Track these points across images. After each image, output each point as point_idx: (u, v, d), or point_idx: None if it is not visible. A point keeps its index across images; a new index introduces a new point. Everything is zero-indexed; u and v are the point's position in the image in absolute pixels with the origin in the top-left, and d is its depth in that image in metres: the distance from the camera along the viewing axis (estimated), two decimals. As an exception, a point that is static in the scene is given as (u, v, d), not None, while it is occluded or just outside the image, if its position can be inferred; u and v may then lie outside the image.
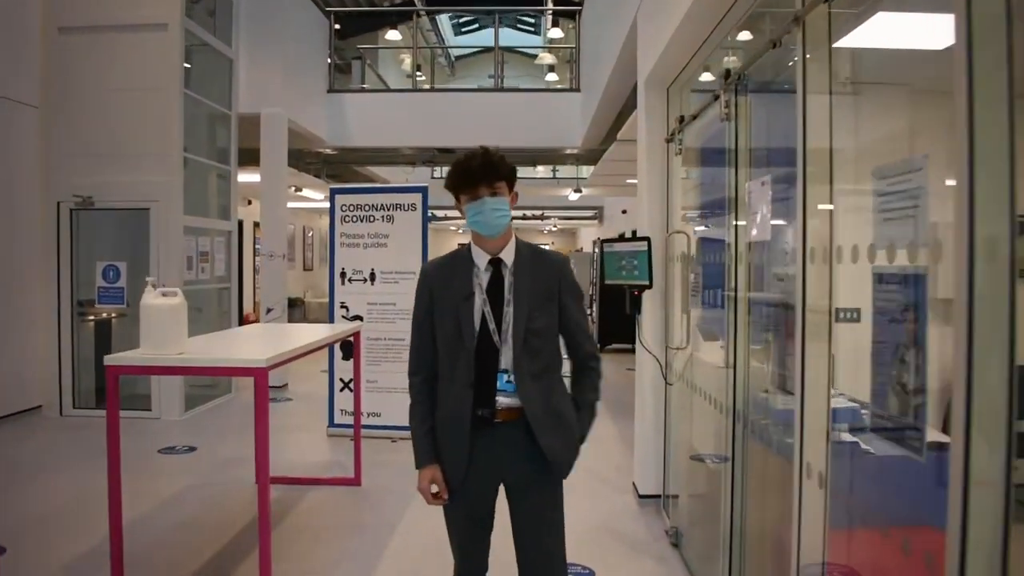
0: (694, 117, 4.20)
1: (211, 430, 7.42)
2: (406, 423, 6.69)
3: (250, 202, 13.62)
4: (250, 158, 9.96)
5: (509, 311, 2.50)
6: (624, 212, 17.56)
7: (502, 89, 13.37)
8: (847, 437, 2.60)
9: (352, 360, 6.01)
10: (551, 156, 13.67)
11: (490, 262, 2.53)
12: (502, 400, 2.50)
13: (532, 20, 23.64)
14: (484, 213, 2.45)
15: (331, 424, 7.26)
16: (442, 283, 2.55)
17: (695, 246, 4.57)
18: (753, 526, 3.52)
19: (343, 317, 7.27)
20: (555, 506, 2.63)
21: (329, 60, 12.28)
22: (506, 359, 2.49)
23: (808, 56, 2.56)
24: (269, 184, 9.97)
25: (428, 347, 2.58)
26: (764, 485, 3.46)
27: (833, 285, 2.56)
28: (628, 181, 11.12)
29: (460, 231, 36.73)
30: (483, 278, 2.53)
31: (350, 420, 6.87)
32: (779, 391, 3.20)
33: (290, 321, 11.61)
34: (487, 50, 24.51)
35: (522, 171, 15.75)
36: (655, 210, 5.03)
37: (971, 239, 1.56)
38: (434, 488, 2.56)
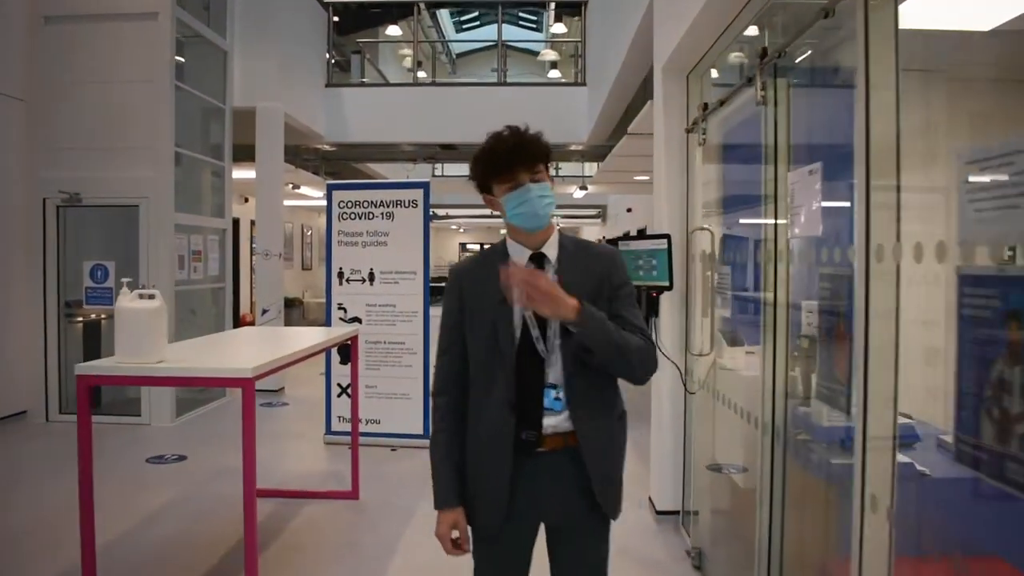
0: (721, 103, 3.85)
1: (203, 437, 7.08)
2: (407, 430, 6.35)
3: (247, 199, 13.27)
4: (246, 154, 9.63)
5: None
6: (629, 211, 17.18)
7: (505, 83, 13.03)
8: (918, 466, 2.27)
9: (350, 365, 5.69)
10: (556, 153, 13.31)
11: (531, 258, 2.17)
12: (550, 422, 2.11)
13: (533, 17, 23.36)
14: (530, 202, 2.07)
15: (328, 431, 6.92)
16: (475, 285, 2.19)
17: (718, 244, 4.24)
18: (791, 551, 3.19)
19: (340, 319, 6.94)
20: (602, 550, 2.26)
21: (327, 53, 11.94)
22: (554, 372, 2.13)
23: (869, 25, 2.21)
24: (265, 180, 9.63)
25: (457, 362, 2.22)
26: (805, 508, 3.13)
27: (900, 288, 2.23)
28: (636, 178, 10.78)
29: (461, 230, 36.42)
30: None
31: (348, 427, 6.51)
32: (825, 405, 2.86)
33: (288, 322, 11.29)
34: (488, 47, 24.32)
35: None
36: (674, 205, 4.69)
37: None
38: (455, 534, 2.20)
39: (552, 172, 2.21)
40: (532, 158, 2.09)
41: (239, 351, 4.22)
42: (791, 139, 3.05)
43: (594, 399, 2.16)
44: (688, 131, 4.54)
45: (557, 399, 2.12)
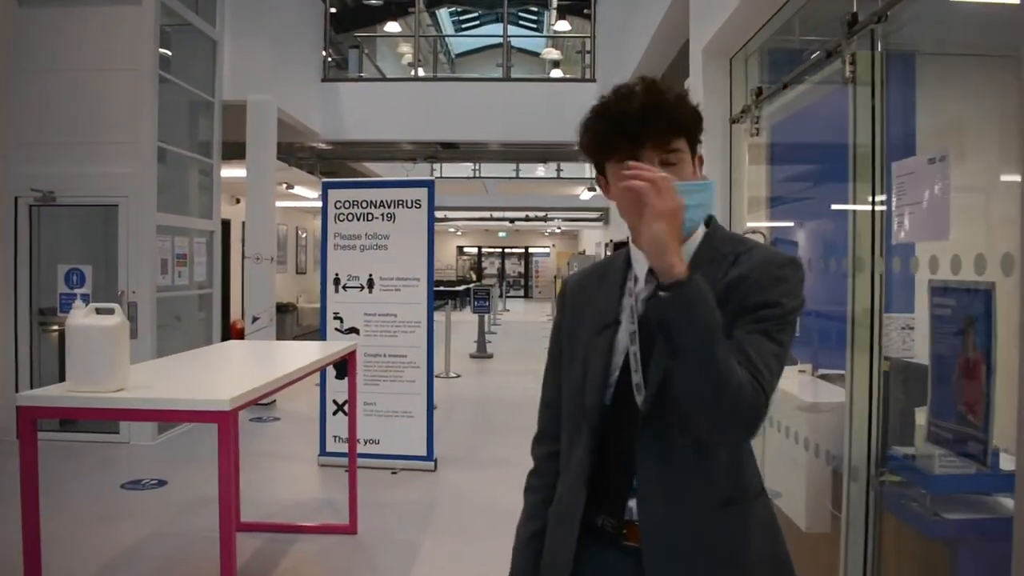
0: (784, 86, 3.30)
1: (187, 458, 6.48)
2: (409, 452, 5.74)
3: (239, 200, 12.70)
4: (236, 151, 9.06)
5: None
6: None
7: (509, 79, 12.46)
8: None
9: (347, 380, 5.12)
10: (562, 152, 12.78)
11: (651, 271, 1.43)
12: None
13: (534, 17, 22.91)
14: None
15: (323, 452, 6.33)
16: (581, 303, 1.63)
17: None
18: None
19: (336, 330, 6.37)
20: None
21: (324, 47, 11.37)
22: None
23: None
24: (256, 179, 9.04)
25: (556, 400, 1.67)
26: (902, 565, 2.57)
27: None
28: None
29: (459, 233, 35.78)
30: (639, 298, 1.51)
31: (344, 448, 5.95)
32: (938, 448, 2.30)
33: (280, 328, 10.71)
34: (488, 48, 23.83)
35: (524, 169, 15.05)
36: (716, 206, 4.14)
37: None
38: None
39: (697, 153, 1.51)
40: (669, 128, 1.42)
41: (218, 374, 3.65)
42: (888, 125, 2.50)
43: (681, 472, 1.44)
44: (733, 121, 3.99)
45: None
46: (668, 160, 1.42)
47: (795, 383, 3.66)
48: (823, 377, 3.82)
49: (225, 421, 2.71)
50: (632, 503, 1.47)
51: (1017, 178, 2.30)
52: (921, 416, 2.41)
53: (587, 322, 1.58)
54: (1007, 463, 2.09)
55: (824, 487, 3.16)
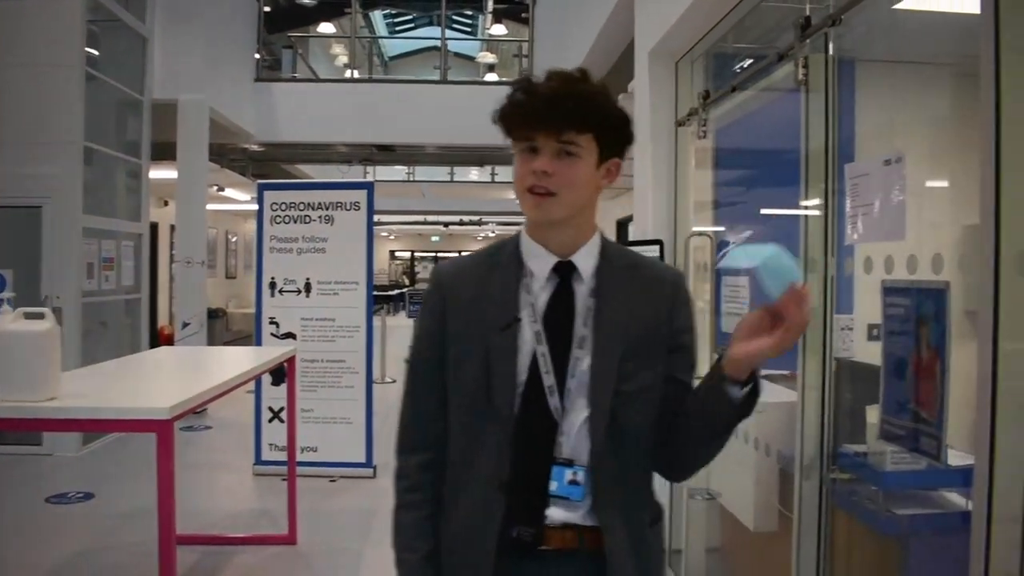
0: (734, 89, 3.32)
1: (115, 470, 6.24)
2: (348, 459, 5.65)
3: (167, 202, 12.35)
4: (165, 152, 8.79)
5: (584, 357, 1.46)
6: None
7: (447, 81, 12.39)
8: None
9: (284, 386, 5.00)
10: (499, 155, 12.75)
11: (555, 268, 1.49)
12: (557, 515, 1.45)
13: (468, 20, 22.87)
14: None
15: (258, 461, 6.16)
16: (467, 298, 1.51)
17: (712, 253, 3.74)
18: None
19: (272, 335, 6.21)
20: None
21: (257, 46, 11.13)
22: (569, 442, 1.46)
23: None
24: (187, 181, 8.78)
25: (434, 410, 1.53)
26: (852, 562, 2.60)
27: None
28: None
29: (392, 237, 35.46)
30: (539, 295, 1.49)
31: (280, 456, 5.81)
32: (889, 445, 2.32)
33: (211, 334, 10.41)
34: (422, 51, 23.70)
35: (458, 173, 14.97)
36: (661, 208, 4.15)
37: None
38: None
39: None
40: (567, 119, 1.38)
41: (154, 382, 3.52)
42: (839, 128, 2.53)
43: (632, 491, 1.51)
44: (680, 124, 4.01)
45: (574, 483, 1.44)
46: (566, 151, 1.40)
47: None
48: (767, 377, 3.86)
49: (164, 430, 2.61)
50: (551, 511, 1.45)
51: (945, 183, 2.34)
52: (872, 414, 2.44)
53: (481, 319, 1.48)
54: (955, 459, 2.14)
55: (772, 486, 3.19)
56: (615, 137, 1.45)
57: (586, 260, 1.50)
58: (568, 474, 1.44)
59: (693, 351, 1.56)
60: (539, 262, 1.49)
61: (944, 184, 2.72)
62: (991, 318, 1.68)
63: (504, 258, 1.53)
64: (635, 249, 1.71)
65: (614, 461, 1.45)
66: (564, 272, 1.49)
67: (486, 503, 1.45)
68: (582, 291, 1.49)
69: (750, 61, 3.35)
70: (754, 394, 1.38)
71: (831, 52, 2.48)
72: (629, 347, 1.46)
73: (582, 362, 1.45)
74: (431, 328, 1.53)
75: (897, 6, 2.56)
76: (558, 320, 1.47)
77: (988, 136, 1.66)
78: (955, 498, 2.34)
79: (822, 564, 2.60)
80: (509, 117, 1.42)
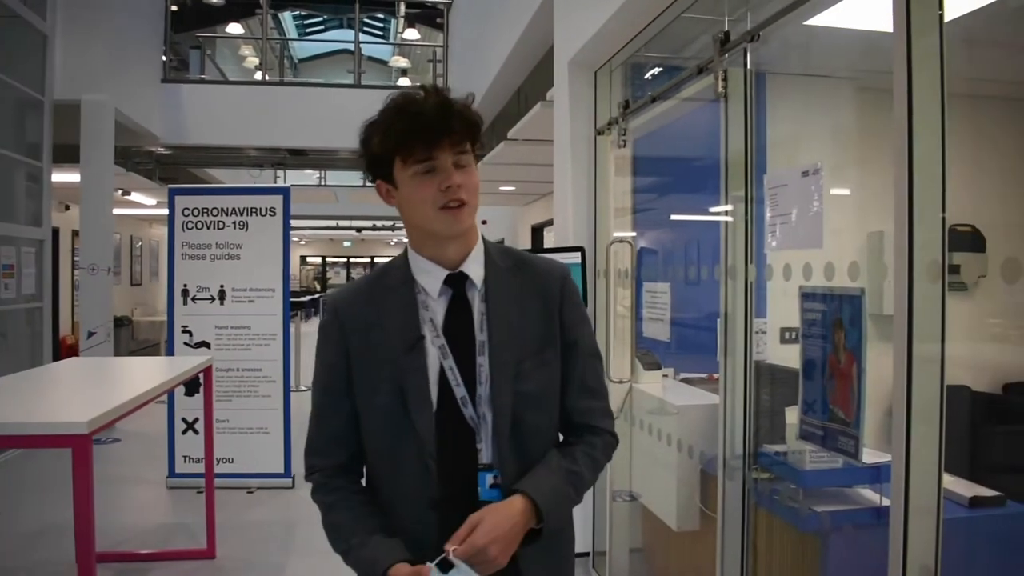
0: (653, 99, 3.40)
1: (15, 487, 5.95)
2: (266, 469, 5.54)
3: (68, 207, 11.85)
4: (67, 155, 8.44)
5: (484, 364, 1.50)
6: (484, 222, 16.78)
7: (360, 85, 12.27)
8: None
9: (199, 396, 4.87)
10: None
11: (447, 281, 1.53)
12: None
13: (380, 24, 22.68)
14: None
15: (172, 474, 5.99)
16: (364, 325, 1.53)
17: (633, 259, 3.81)
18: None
19: (185, 344, 6.05)
20: None
21: (164, 46, 10.81)
22: (488, 449, 1.49)
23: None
24: (91, 185, 8.44)
25: (343, 435, 1.56)
26: (773, 559, 2.69)
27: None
28: (502, 188, 10.32)
29: (302, 243, 34.79)
30: (436, 310, 1.52)
31: (195, 468, 5.70)
32: (808, 444, 2.42)
33: (117, 343, 10.04)
34: (332, 53, 23.38)
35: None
36: (581, 216, 4.22)
37: None
38: None
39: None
40: (463, 131, 1.44)
41: (67, 396, 3.38)
42: (757, 139, 2.63)
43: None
44: (600, 133, 4.08)
45: (495, 486, 1.48)
46: (460, 162, 1.44)
47: (660, 387, 3.78)
48: (685, 381, 3.96)
49: (81, 445, 2.52)
50: None
51: (846, 191, 2.44)
52: (792, 415, 2.53)
53: (385, 344, 1.50)
54: (869, 457, 2.25)
55: (694, 486, 3.26)
56: (478, 141, 1.50)
57: (475, 267, 1.54)
58: (489, 479, 1.48)
59: (586, 345, 1.61)
60: (430, 277, 1.53)
61: (847, 192, 2.86)
62: (906, 322, 1.77)
63: (395, 279, 1.56)
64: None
65: (518, 461, 1.49)
66: (456, 283, 1.53)
67: (418, 522, 1.47)
68: (476, 298, 1.53)
69: (669, 72, 3.44)
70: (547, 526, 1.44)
71: (749, 66, 2.57)
72: (523, 347, 1.51)
73: (486, 368, 1.49)
74: (333, 359, 1.55)
75: (808, 22, 2.67)
76: (459, 331, 1.51)
77: (901, 149, 1.76)
78: (869, 494, 2.46)
79: (745, 562, 2.69)
80: (404, 136, 1.42)
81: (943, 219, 1.73)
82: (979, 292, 3.18)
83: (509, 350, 1.50)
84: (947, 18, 1.69)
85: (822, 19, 2.57)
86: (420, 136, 1.40)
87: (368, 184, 1.57)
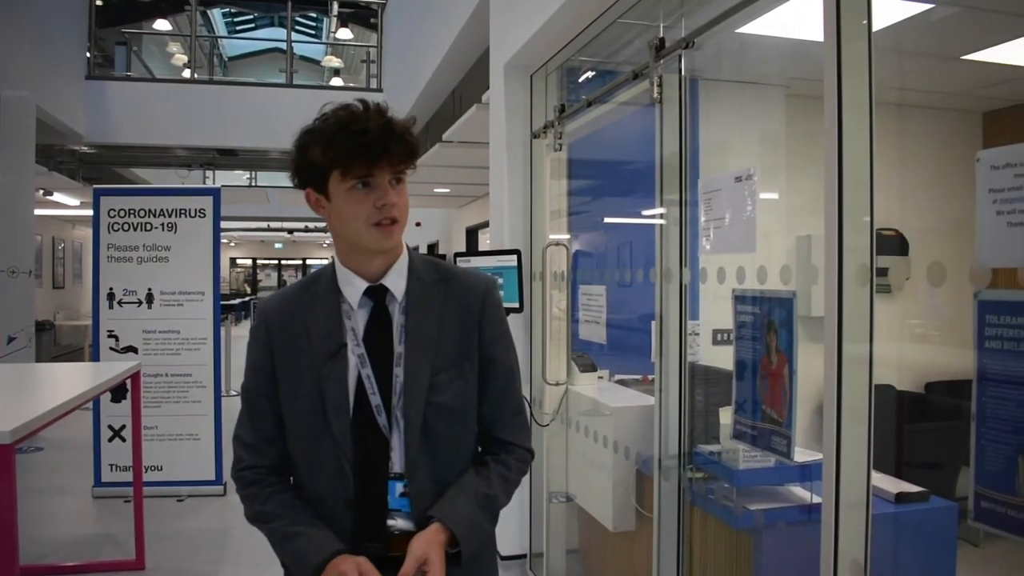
0: (589, 104, 3.43)
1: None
2: (197, 476, 5.43)
3: (-15, 208, 11.42)
4: (-15, 153, 8.14)
5: (400, 375, 1.55)
6: (418, 224, 16.69)
7: (292, 85, 12.11)
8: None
9: (126, 403, 4.73)
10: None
11: (367, 293, 1.58)
12: (399, 524, 1.54)
13: (312, 23, 22.41)
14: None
15: (98, 483, 5.81)
16: (290, 332, 1.58)
17: (568, 262, 3.84)
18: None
19: (112, 348, 5.87)
20: None
21: (89, 42, 10.49)
22: (400, 458, 1.54)
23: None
24: (11, 184, 8.12)
25: (271, 436, 1.61)
26: (708, 557, 2.74)
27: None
28: (437, 191, 10.28)
29: (232, 244, 34.14)
30: (358, 320, 1.58)
31: (123, 477, 5.55)
32: (741, 444, 2.47)
33: (39, 349, 9.72)
34: (262, 52, 23.00)
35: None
36: (518, 218, 4.23)
37: None
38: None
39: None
40: (405, 153, 1.49)
41: (-13, 403, 3.26)
42: (691, 144, 2.67)
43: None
44: (535, 136, 4.10)
45: (404, 495, 1.54)
46: (393, 180, 1.50)
47: (595, 389, 3.81)
48: (620, 383, 4.01)
49: (4, 455, 2.42)
50: (393, 521, 1.54)
51: (775, 195, 2.51)
52: (726, 416, 2.58)
53: (309, 350, 1.56)
54: (801, 455, 2.31)
55: (630, 487, 3.30)
56: (414, 164, 1.55)
57: (396, 280, 1.59)
58: (399, 487, 1.54)
59: (504, 361, 1.65)
60: (352, 289, 1.58)
61: (777, 196, 2.92)
62: (836, 324, 1.82)
63: (322, 288, 1.61)
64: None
65: (427, 472, 1.54)
66: (376, 295, 1.58)
67: (334, 522, 1.52)
68: (396, 310, 1.58)
69: (605, 76, 3.47)
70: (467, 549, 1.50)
71: (683, 72, 2.61)
72: (439, 360, 1.55)
73: (401, 379, 1.54)
74: (260, 362, 1.61)
75: (741, 29, 2.72)
76: (378, 342, 1.56)
77: (831, 155, 1.80)
78: (801, 491, 2.52)
79: (681, 561, 2.73)
80: (345, 152, 1.44)
81: (871, 223, 1.78)
82: (903, 294, 3.30)
83: (424, 362, 1.55)
84: (875, 28, 1.75)
85: (755, 27, 2.63)
86: (362, 154, 1.44)
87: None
